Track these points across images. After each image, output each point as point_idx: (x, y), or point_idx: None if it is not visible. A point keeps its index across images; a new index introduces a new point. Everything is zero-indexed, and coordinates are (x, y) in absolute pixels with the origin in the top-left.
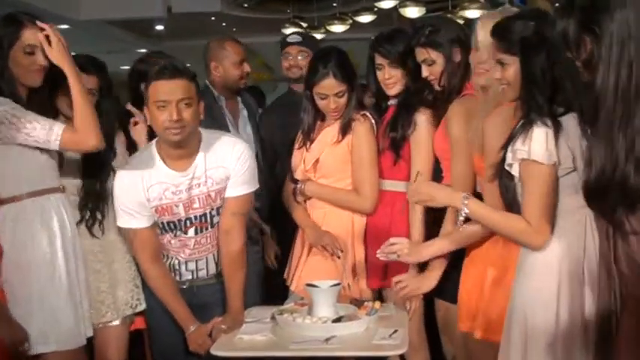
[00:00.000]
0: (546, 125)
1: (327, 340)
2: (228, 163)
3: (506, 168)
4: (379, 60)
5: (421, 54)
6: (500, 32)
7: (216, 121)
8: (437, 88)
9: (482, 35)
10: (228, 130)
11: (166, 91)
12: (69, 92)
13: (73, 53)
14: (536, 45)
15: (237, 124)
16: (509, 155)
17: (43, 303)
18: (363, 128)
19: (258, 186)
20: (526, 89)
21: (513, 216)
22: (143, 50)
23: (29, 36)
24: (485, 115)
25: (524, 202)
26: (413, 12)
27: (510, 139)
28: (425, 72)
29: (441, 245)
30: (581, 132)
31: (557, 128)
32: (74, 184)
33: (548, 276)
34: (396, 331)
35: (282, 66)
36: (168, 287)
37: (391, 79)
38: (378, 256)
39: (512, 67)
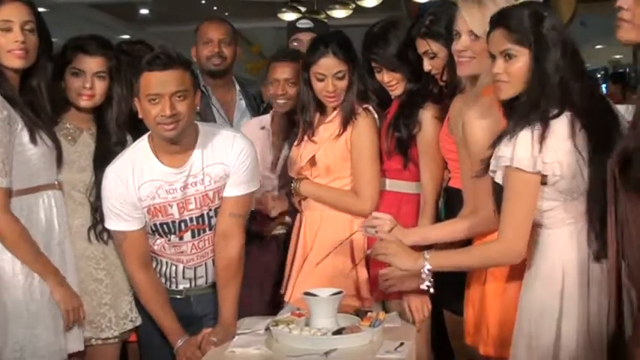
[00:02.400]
0: (535, 129)
1: (326, 353)
2: (227, 159)
3: (491, 174)
4: (375, 64)
5: (422, 46)
6: (511, 21)
7: (201, 116)
8: (440, 83)
9: (468, 21)
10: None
11: (159, 83)
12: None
13: (54, 39)
14: (554, 40)
15: (232, 117)
16: (492, 162)
17: (19, 313)
18: (364, 123)
19: (258, 186)
20: (535, 89)
21: (480, 247)
22: (126, 36)
23: (5, 10)
24: (467, 109)
25: (502, 215)
26: None
27: (497, 142)
28: (427, 65)
29: (423, 233)
30: (571, 133)
31: (546, 132)
32: (79, 179)
33: (551, 289)
34: (402, 344)
35: None
36: (157, 297)
37: (392, 81)
38: (358, 229)
39: (521, 60)
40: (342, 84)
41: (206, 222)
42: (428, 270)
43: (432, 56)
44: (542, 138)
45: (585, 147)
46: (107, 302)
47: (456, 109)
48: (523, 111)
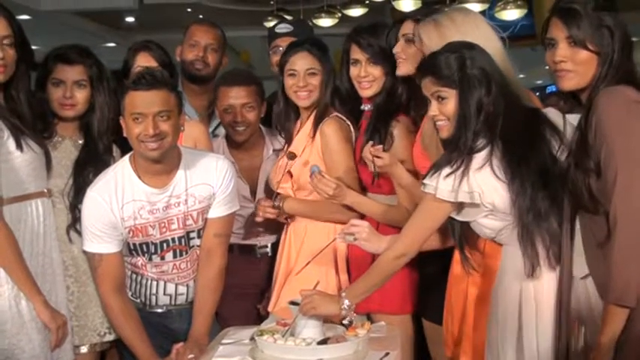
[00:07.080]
0: (456, 165)
1: None
2: (212, 180)
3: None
4: (356, 54)
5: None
6: (438, 66)
7: None
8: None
9: (426, 42)
10: None
11: (143, 102)
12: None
13: (35, 47)
14: (478, 78)
15: (206, 125)
16: (423, 185)
17: (4, 323)
18: (330, 130)
19: (238, 206)
20: (457, 126)
21: (379, 264)
22: (112, 44)
23: None
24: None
25: (408, 226)
26: (408, 5)
27: (431, 170)
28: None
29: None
30: (489, 163)
31: (466, 166)
32: (54, 184)
33: (510, 304)
34: (387, 353)
35: (271, 62)
36: (130, 322)
37: (367, 78)
38: (336, 237)
39: (452, 100)
40: (314, 81)
41: (185, 243)
42: (347, 305)
43: None
44: (463, 172)
45: (505, 173)
46: (72, 310)
47: (430, 127)
48: (448, 147)
